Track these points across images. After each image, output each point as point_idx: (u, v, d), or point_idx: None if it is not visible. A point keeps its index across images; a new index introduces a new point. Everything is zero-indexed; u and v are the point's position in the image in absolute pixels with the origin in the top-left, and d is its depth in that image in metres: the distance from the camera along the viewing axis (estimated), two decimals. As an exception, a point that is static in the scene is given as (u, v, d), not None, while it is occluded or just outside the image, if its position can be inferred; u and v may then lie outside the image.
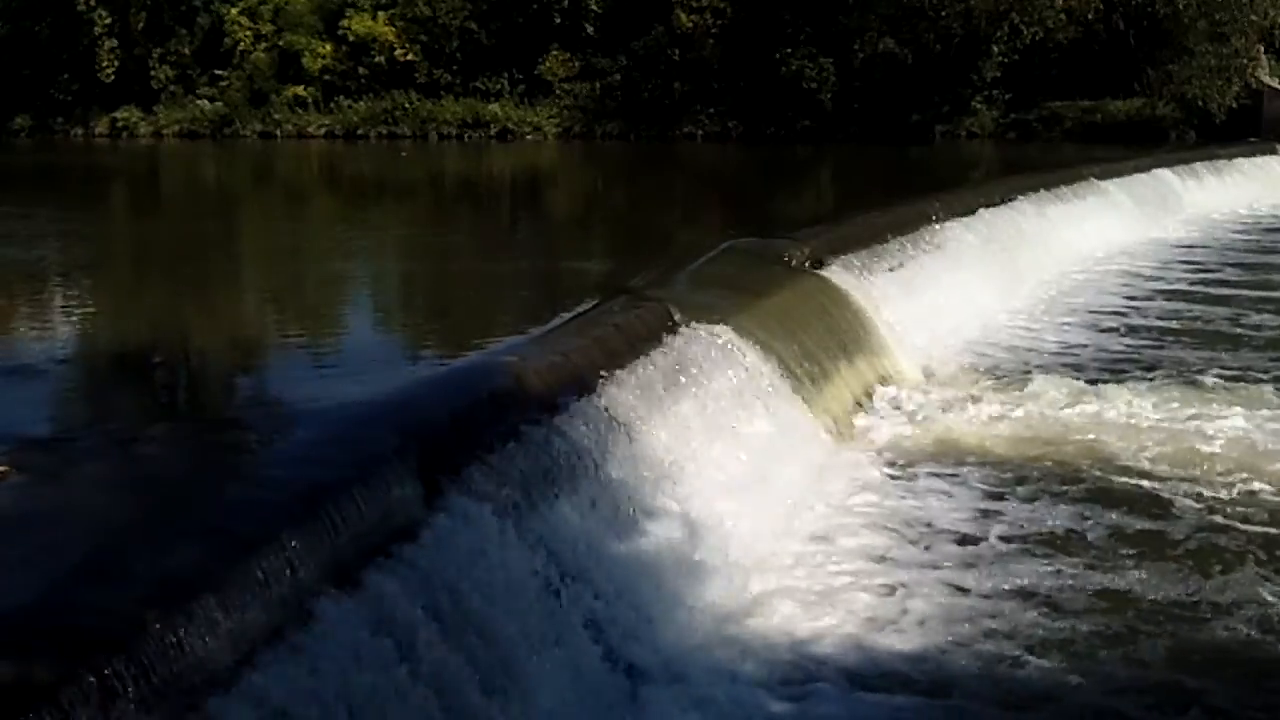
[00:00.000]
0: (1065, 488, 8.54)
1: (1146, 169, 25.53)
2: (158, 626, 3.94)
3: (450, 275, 14.27)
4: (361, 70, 48.61)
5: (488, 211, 25.67)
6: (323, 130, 48.82)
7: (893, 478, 8.88)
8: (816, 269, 12.08)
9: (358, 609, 4.69)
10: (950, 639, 6.37)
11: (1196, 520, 7.88)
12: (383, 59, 48.24)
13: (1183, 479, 8.61)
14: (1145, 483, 8.58)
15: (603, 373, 7.51)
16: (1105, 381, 11.21)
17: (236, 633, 4.18)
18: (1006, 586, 6.97)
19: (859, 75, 42.07)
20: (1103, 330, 14.20)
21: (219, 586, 4.24)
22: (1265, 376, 11.40)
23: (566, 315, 9.06)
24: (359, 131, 48.09)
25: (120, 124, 51.17)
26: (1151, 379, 11.29)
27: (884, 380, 11.17)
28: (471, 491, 5.71)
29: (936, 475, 8.84)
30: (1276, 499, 8.25)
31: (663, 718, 5.60)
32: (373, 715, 4.46)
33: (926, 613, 6.66)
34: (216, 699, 4.00)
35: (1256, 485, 8.45)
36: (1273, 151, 32.24)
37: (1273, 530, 7.70)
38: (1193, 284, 17.38)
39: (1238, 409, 10.11)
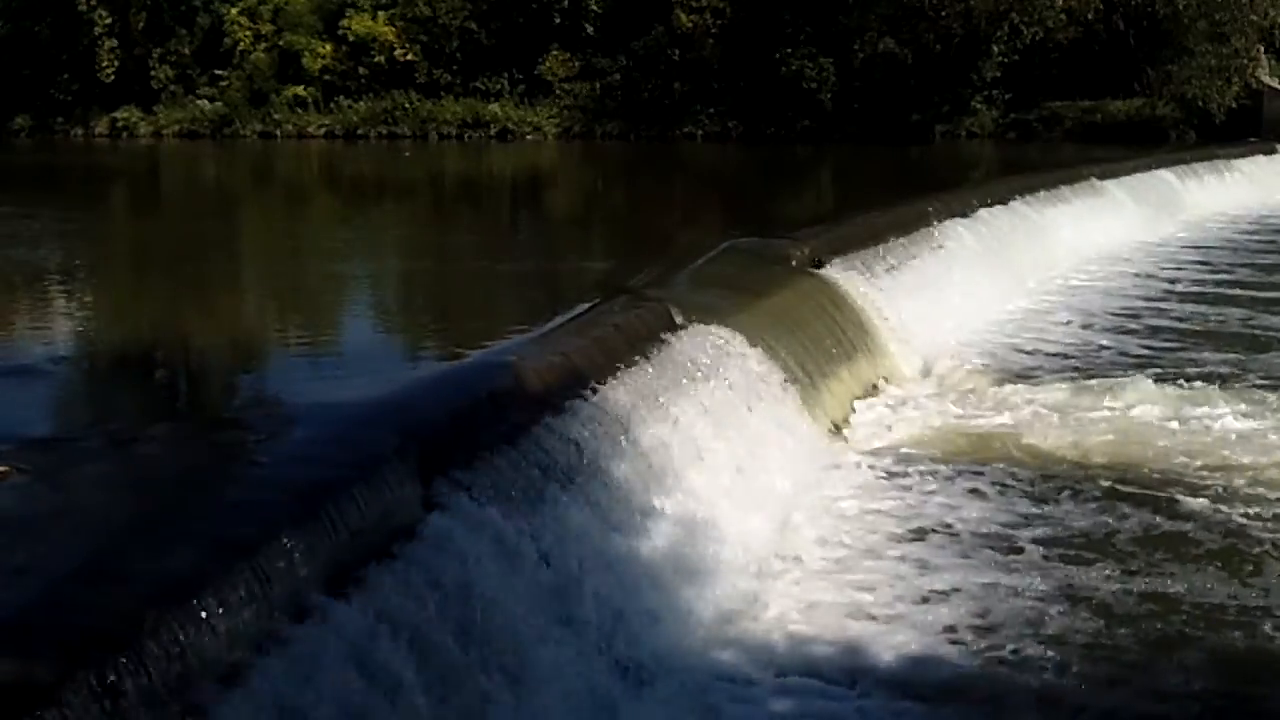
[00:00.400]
0: (1065, 487, 8.53)
1: (1147, 169, 25.54)
2: (158, 626, 3.94)
3: (450, 275, 14.27)
4: (361, 70, 48.58)
5: (488, 211, 25.67)
6: (323, 130, 48.78)
7: (892, 477, 8.88)
8: (816, 269, 12.09)
9: (358, 609, 4.69)
10: (950, 639, 6.36)
11: (1212, 517, 7.92)
12: (383, 59, 48.22)
13: (1185, 478, 8.62)
14: (1149, 482, 8.59)
15: (602, 373, 7.51)
16: (1105, 380, 11.21)
17: (236, 633, 4.19)
18: (1007, 586, 6.96)
19: (859, 75, 42.05)
20: (1103, 330, 14.20)
21: (219, 586, 4.24)
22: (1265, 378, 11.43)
23: (566, 315, 9.07)
24: (359, 131, 48.05)
25: (120, 124, 51.11)
26: (1154, 377, 11.28)
27: (884, 380, 11.19)
28: (471, 491, 5.71)
29: (936, 475, 8.84)
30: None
31: (663, 718, 5.60)
32: (373, 715, 4.47)
33: (926, 612, 6.65)
34: (216, 699, 4.00)
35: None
36: (1273, 151, 32.24)
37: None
38: (1195, 284, 17.35)
39: (1241, 406, 10.16)
